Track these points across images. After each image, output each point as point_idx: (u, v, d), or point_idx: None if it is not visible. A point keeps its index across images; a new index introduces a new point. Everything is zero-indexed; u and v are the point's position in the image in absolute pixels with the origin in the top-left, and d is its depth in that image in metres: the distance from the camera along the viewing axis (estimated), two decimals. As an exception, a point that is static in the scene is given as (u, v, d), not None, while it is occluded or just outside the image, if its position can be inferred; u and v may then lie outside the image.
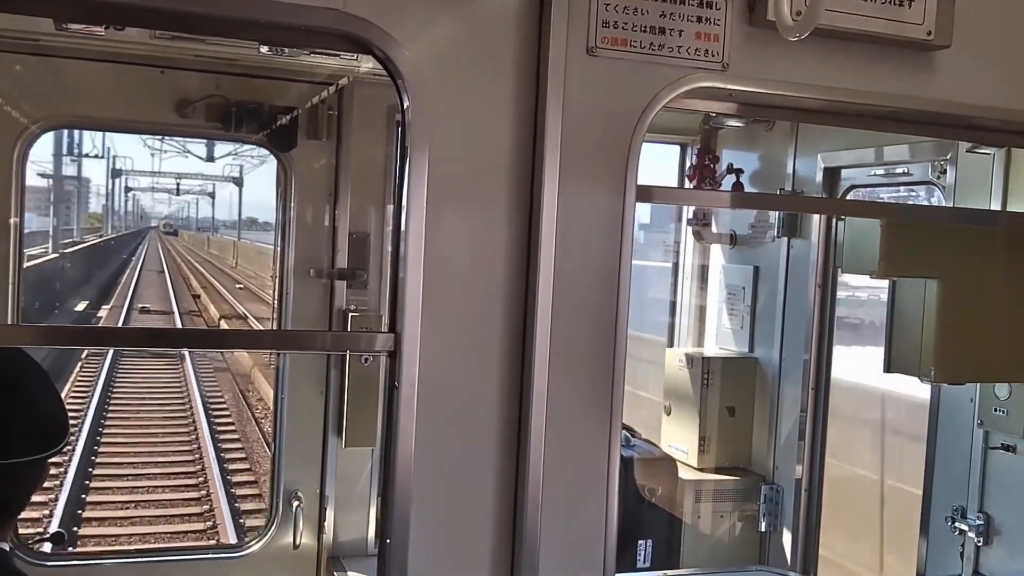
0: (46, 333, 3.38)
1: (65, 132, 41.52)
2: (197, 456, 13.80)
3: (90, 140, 50.88)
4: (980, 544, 4.08)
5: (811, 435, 5.05)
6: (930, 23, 2.72)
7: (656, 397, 6.48)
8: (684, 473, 5.40)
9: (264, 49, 3.73)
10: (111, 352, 20.72)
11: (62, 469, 11.83)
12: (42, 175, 42.43)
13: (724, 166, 5.42)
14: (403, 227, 2.39)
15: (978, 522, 4.07)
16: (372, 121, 4.72)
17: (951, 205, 4.26)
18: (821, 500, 5.11)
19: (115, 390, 18.12)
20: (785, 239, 5.18)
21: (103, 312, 29.79)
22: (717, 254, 5.80)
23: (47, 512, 10.53)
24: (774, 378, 5.28)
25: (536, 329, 2.45)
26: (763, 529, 5.26)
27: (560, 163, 2.45)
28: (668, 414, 5.70)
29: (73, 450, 12.90)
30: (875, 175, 4.89)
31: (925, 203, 5.55)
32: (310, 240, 4.87)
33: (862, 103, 2.83)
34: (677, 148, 5.83)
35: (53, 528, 9.91)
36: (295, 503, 4.78)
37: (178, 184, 68.44)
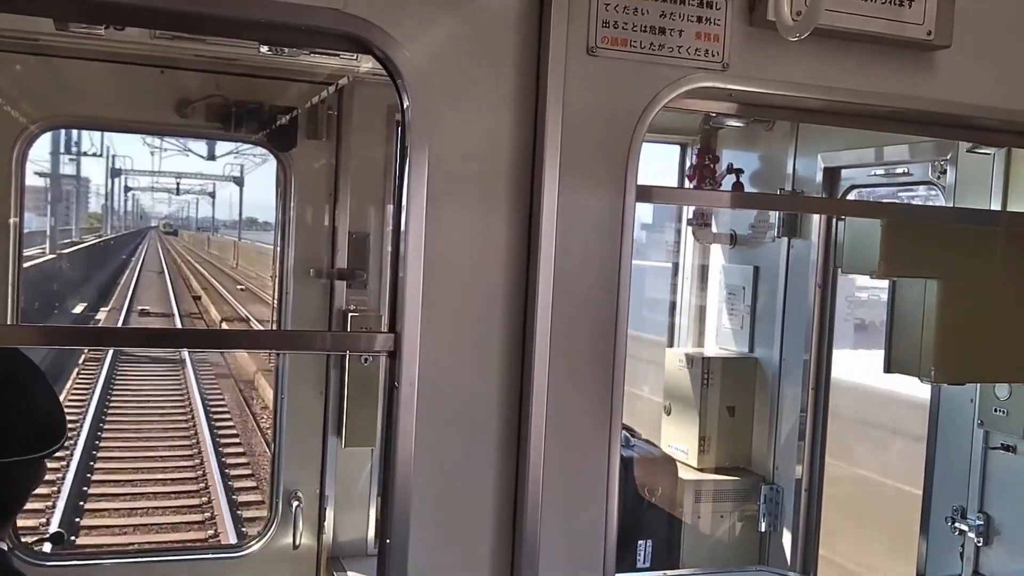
0: (45, 333, 3.40)
1: (63, 130, 41.42)
2: (199, 466, 13.54)
3: (89, 139, 50.88)
4: (980, 544, 4.08)
5: (811, 435, 5.05)
6: (930, 23, 2.73)
7: (656, 397, 6.47)
8: (684, 473, 5.39)
9: (264, 49, 3.72)
10: (108, 360, 20.09)
11: (59, 475, 11.74)
12: (40, 174, 42.10)
13: (724, 166, 5.42)
14: (403, 227, 2.39)
15: (978, 522, 4.07)
16: (372, 121, 4.72)
17: (951, 205, 4.27)
18: (821, 500, 5.11)
19: (112, 399, 17.45)
20: (785, 239, 5.18)
21: (101, 314, 29.41)
22: (717, 254, 5.79)
23: (44, 520, 10.43)
24: (774, 378, 5.27)
25: (536, 329, 2.45)
26: (763, 529, 5.26)
27: (560, 163, 2.45)
28: (668, 414, 5.70)
29: (71, 455, 12.79)
30: (875, 175, 4.89)
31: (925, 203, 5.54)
32: (310, 240, 4.87)
33: (862, 103, 2.83)
34: (677, 148, 5.82)
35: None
36: (295, 503, 4.78)
37: (178, 184, 68.29)
